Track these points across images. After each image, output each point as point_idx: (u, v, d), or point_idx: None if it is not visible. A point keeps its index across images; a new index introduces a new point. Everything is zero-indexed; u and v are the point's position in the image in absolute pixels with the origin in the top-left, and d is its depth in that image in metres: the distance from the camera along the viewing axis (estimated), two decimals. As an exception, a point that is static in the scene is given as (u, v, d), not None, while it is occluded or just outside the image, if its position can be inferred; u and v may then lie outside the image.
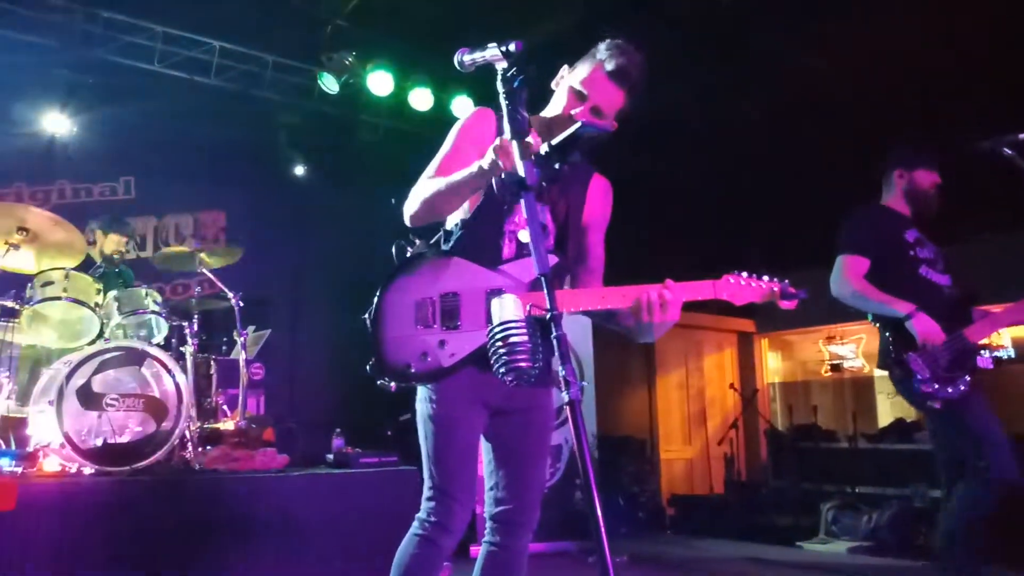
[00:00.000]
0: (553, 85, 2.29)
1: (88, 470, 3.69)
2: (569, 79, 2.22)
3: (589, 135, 2.04)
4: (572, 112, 2.16)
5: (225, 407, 4.61)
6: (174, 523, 3.53)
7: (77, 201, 6.08)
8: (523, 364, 1.70)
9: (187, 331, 4.45)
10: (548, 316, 1.65)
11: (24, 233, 4.16)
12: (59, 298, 4.14)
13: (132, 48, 5.92)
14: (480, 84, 6.25)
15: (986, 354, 3.21)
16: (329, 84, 6.44)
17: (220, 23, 5.99)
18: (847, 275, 3.34)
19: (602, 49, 2.18)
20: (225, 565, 3.62)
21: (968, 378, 3.12)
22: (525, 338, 1.71)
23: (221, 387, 4.67)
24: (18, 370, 4.17)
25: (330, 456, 4.51)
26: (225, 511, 3.69)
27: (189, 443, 4.12)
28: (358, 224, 7.01)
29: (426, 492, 2.17)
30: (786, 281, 2.08)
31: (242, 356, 4.49)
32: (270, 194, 6.92)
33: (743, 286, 2.06)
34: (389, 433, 5.59)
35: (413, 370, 2.03)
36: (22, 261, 4.33)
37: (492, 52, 1.86)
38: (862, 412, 8.71)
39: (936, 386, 3.13)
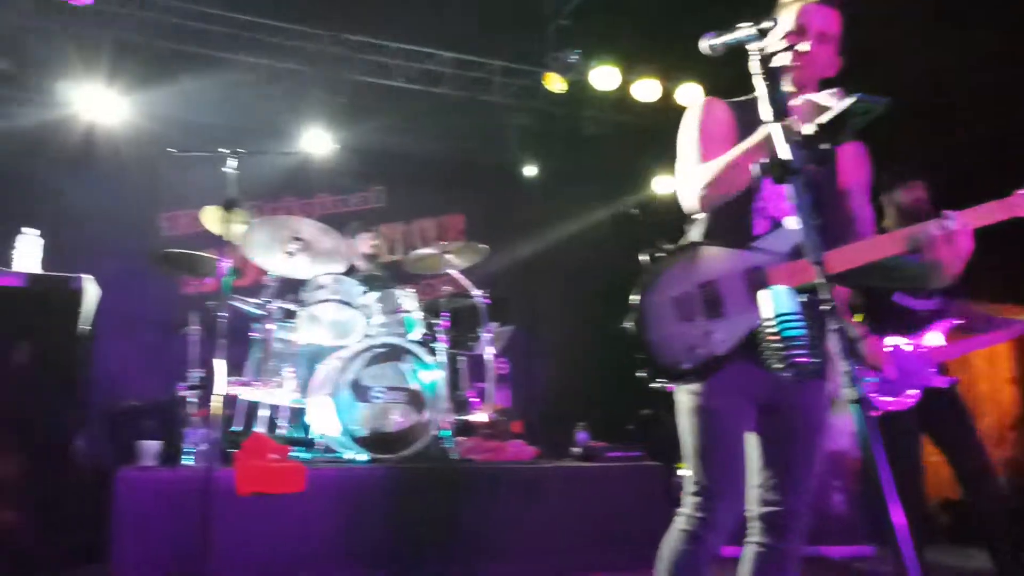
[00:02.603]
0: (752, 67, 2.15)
1: (362, 457, 4.05)
2: (774, 44, 2.10)
3: (862, 111, 1.90)
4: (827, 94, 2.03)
5: (475, 400, 4.85)
6: (439, 506, 3.76)
7: (335, 211, 6.66)
8: (801, 359, 1.62)
9: (438, 328, 4.73)
10: (827, 307, 1.55)
11: (298, 242, 4.61)
12: (330, 300, 4.58)
13: (374, 66, 6.40)
14: (707, 70, 6.21)
15: None
16: (555, 84, 6.56)
17: (448, 35, 6.30)
18: None
19: None
20: (484, 549, 3.80)
21: None
22: (802, 331, 1.63)
23: (470, 381, 4.92)
24: (298, 365, 4.65)
25: (576, 449, 4.60)
26: (483, 498, 3.87)
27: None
28: (589, 218, 7.09)
29: (691, 487, 2.13)
30: None
31: (489, 351, 4.71)
32: (504, 195, 7.18)
33: None
34: (631, 428, 5.59)
35: (686, 366, 1.99)
36: (297, 267, 4.80)
37: (745, 32, 1.79)
38: None
39: None
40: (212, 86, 5.65)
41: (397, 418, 4.19)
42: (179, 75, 5.66)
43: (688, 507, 2.11)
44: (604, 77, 6.58)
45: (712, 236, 2.12)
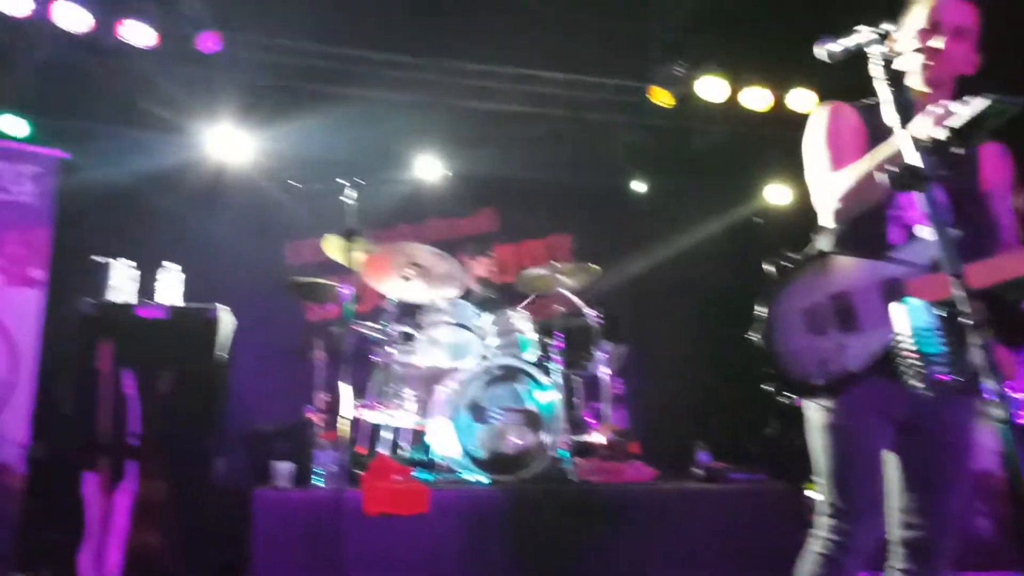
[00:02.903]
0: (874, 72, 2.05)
1: (482, 478, 4.10)
2: (904, 43, 2.00)
3: (997, 112, 1.79)
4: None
5: (591, 421, 4.83)
6: (561, 528, 3.76)
7: (447, 236, 6.81)
8: (941, 376, 1.54)
9: (552, 348, 4.75)
10: (970, 322, 1.47)
11: (415, 267, 4.74)
12: (446, 323, 4.69)
13: (481, 91, 6.52)
14: (817, 73, 6.02)
15: None
16: (662, 98, 6.51)
17: (552, 56, 6.36)
18: None
19: None
20: (608, 573, 3.77)
21: None
22: (942, 347, 1.55)
23: (586, 401, 4.91)
24: (418, 387, 4.77)
25: (697, 470, 4.51)
26: (605, 521, 3.84)
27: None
28: (701, 232, 6.97)
29: (826, 508, 2.05)
30: None
31: (604, 371, 4.69)
32: (613, 213, 7.16)
33: None
34: (753, 447, 5.43)
35: (818, 381, 1.93)
36: (414, 292, 4.94)
37: (865, 36, 1.72)
38: None
39: None
40: (329, 121, 5.89)
41: (515, 439, 4.22)
42: (299, 112, 5.94)
43: (823, 530, 2.04)
44: (711, 88, 6.47)
45: (844, 245, 2.05)
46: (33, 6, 5.09)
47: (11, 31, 5.26)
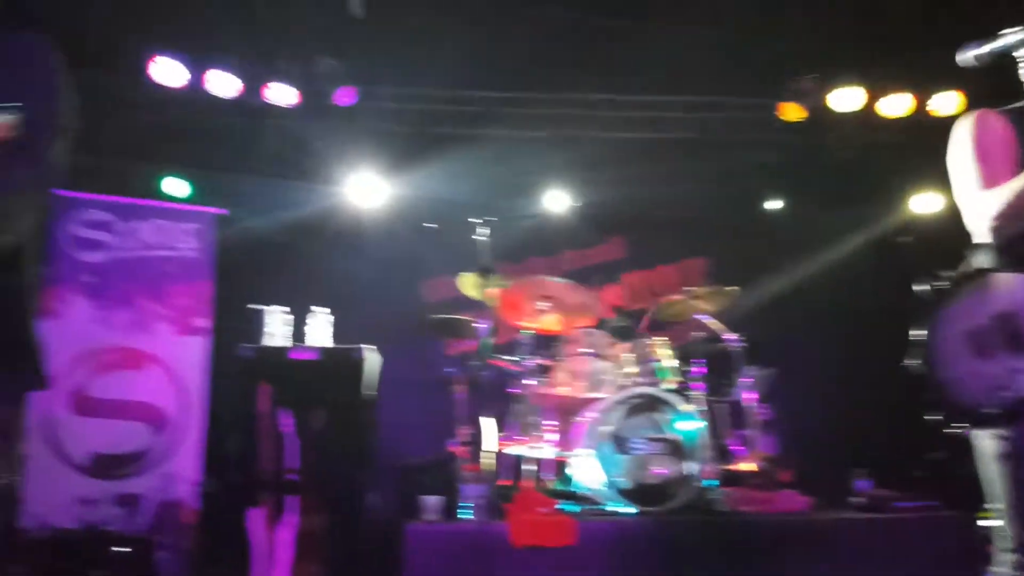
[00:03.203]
0: None
1: (627, 509, 4.04)
2: None
3: None
4: None
5: (738, 448, 4.68)
6: (711, 561, 3.65)
7: (578, 266, 6.83)
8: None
9: (692, 375, 4.65)
10: None
11: (548, 300, 4.79)
12: (582, 353, 4.69)
13: (607, 121, 6.54)
14: (960, 75, 5.65)
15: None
16: (793, 113, 6.31)
17: (676, 79, 6.30)
18: None
19: None
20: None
21: None
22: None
23: (731, 428, 4.76)
24: (557, 418, 4.78)
25: (856, 498, 4.27)
26: (757, 553, 3.70)
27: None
28: (843, 247, 6.68)
29: (1006, 543, 1.90)
30: None
31: (749, 397, 4.54)
32: (747, 233, 6.97)
33: None
34: (918, 474, 5.08)
35: (990, 409, 1.80)
36: (549, 323, 4.97)
37: (1015, 38, 1.62)
38: None
39: None
40: (459, 161, 6.09)
41: (659, 469, 4.15)
42: (431, 155, 6.17)
43: (1005, 566, 1.88)
44: (846, 97, 6.22)
45: (1005, 261, 1.91)
46: (188, 77, 5.58)
47: (170, 101, 5.77)
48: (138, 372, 5.10)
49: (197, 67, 5.58)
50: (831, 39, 5.90)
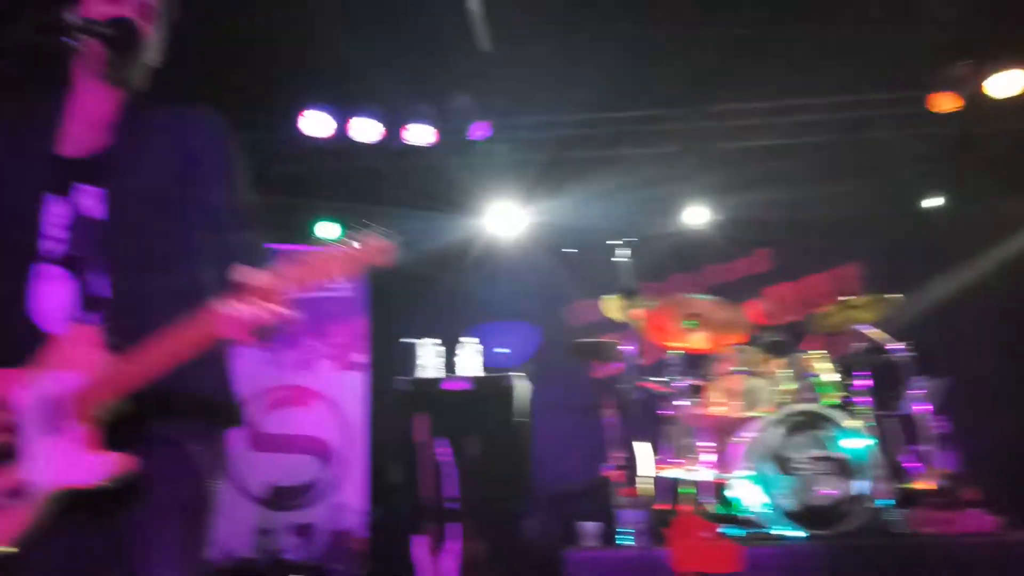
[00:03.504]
0: None
1: (795, 533, 3.86)
2: None
3: None
4: None
5: (912, 465, 4.37)
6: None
7: (723, 281, 6.65)
8: None
9: (856, 389, 4.40)
10: None
11: (694, 318, 4.69)
12: (735, 371, 4.56)
13: (745, 129, 6.37)
14: None
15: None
16: (945, 103, 5.91)
17: (814, 80, 6.05)
18: None
19: None
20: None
21: None
22: None
23: (903, 444, 4.46)
24: (712, 439, 4.65)
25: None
26: (944, 577, 3.45)
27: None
28: (1013, 242, 6.18)
29: None
30: None
31: (922, 409, 4.25)
32: (904, 234, 6.56)
33: None
34: None
35: None
36: (697, 342, 4.86)
37: None
38: None
39: None
40: (596, 184, 6.09)
41: (826, 490, 3.95)
42: (567, 180, 6.22)
43: None
44: (1006, 82, 5.76)
45: None
46: (334, 126, 5.92)
47: (318, 150, 6.14)
48: (305, 408, 5.40)
49: (341, 116, 5.92)
50: (983, 21, 5.50)
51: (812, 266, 6.65)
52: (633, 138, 6.36)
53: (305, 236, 6.40)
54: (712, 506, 4.42)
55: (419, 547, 4.07)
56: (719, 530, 3.90)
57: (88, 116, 1.67)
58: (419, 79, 5.84)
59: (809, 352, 4.58)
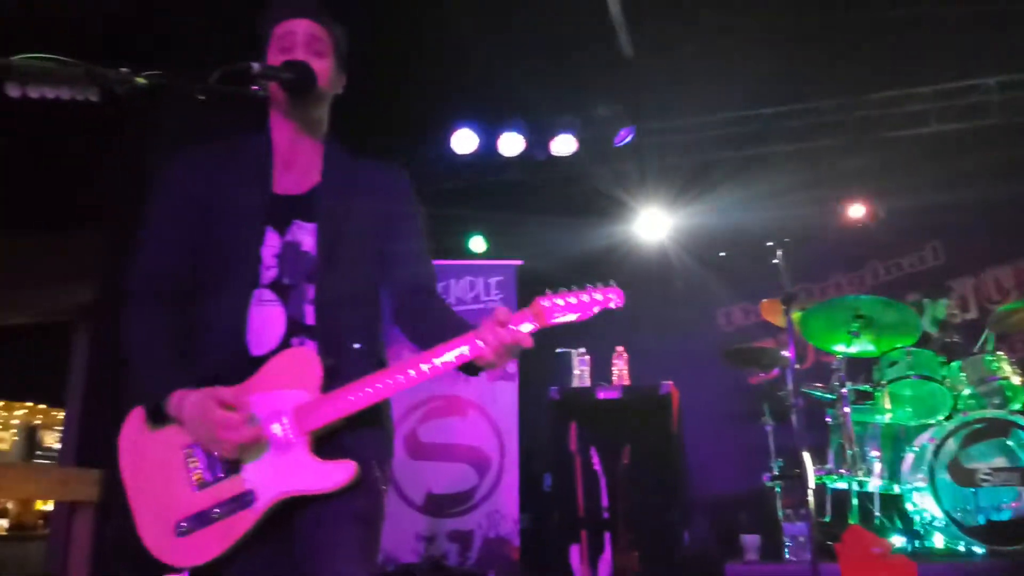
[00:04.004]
0: None
1: (977, 549, 3.58)
2: None
3: None
4: None
5: None
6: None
7: (889, 278, 6.26)
8: None
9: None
10: None
11: (860, 320, 4.43)
12: (906, 376, 4.28)
13: (906, 116, 5.99)
14: None
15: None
16: None
17: (975, 59, 5.59)
18: None
19: None
20: None
21: None
22: None
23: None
24: (882, 448, 4.39)
25: None
26: None
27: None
28: None
29: None
30: None
31: None
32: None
33: None
34: None
35: None
36: (863, 346, 4.60)
37: None
38: None
39: None
40: (749, 183, 5.92)
41: (1013, 503, 3.63)
42: (717, 181, 6.08)
43: None
44: None
45: None
46: (478, 141, 6.11)
47: (466, 166, 6.35)
48: (461, 417, 5.56)
49: (488, 132, 6.09)
50: None
51: (990, 260, 6.12)
52: (785, 134, 6.13)
53: (458, 250, 6.63)
54: (882, 519, 4.17)
55: (575, 556, 4.09)
56: (891, 545, 3.67)
57: (288, 156, 1.83)
58: (563, 91, 5.91)
59: (992, 353, 4.23)
